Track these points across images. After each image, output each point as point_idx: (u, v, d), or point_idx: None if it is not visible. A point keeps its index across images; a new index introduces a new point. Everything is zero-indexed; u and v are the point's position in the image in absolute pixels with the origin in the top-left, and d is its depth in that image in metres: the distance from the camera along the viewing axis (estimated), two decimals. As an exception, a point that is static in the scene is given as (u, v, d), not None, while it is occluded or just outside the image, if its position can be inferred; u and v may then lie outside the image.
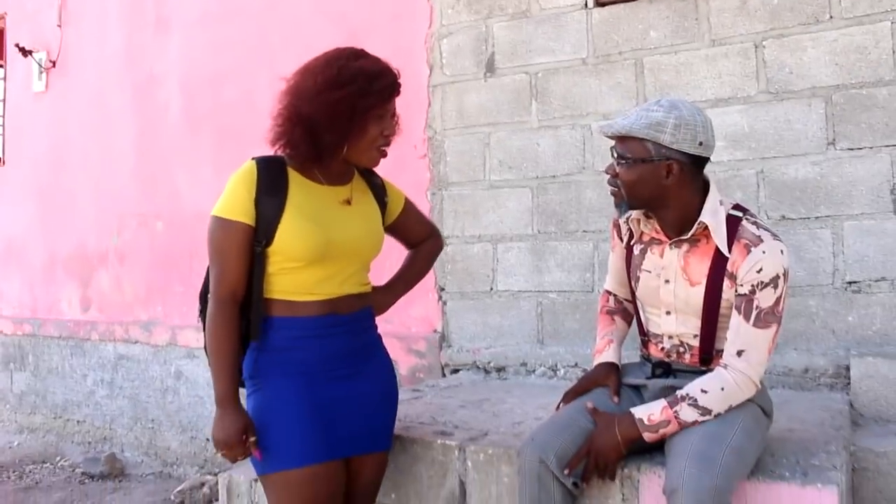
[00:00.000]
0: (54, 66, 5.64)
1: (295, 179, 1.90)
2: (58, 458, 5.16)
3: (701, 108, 1.89)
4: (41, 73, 5.69)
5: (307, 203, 1.89)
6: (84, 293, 5.41)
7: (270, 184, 1.86)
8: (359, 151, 1.91)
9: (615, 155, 1.92)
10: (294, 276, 1.89)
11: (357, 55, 1.90)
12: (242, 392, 1.94)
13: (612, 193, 2.03)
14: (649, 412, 1.88)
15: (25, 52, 5.65)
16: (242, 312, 1.90)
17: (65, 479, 4.77)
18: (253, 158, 1.91)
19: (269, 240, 1.85)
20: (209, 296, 1.88)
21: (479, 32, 3.78)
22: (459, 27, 3.83)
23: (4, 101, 6.12)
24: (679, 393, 1.88)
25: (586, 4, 3.50)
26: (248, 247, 1.85)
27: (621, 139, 1.89)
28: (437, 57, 3.88)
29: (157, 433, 4.94)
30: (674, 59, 3.30)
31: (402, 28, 3.99)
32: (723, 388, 1.84)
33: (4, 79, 6.13)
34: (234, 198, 1.84)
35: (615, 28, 3.43)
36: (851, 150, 2.98)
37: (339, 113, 1.82)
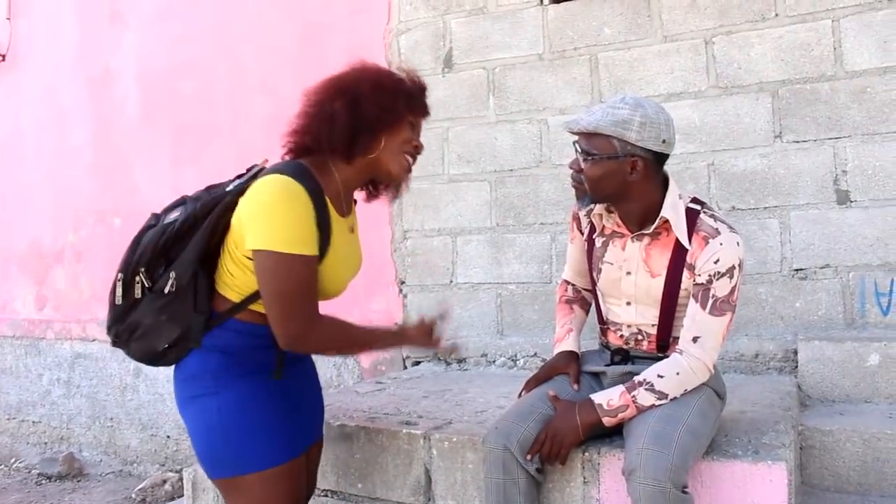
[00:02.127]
0: (4, 59, 5.51)
1: (331, 212, 1.82)
2: (13, 460, 5.08)
3: (663, 107, 1.95)
4: (-10, 67, 5.57)
5: (338, 242, 1.83)
6: (39, 291, 5.32)
7: (320, 217, 1.76)
8: (391, 151, 1.85)
9: (580, 150, 1.97)
10: None
11: (400, 77, 1.92)
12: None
13: (575, 187, 2.09)
14: (608, 397, 1.95)
15: (-27, 47, 5.53)
16: (197, 311, 1.81)
17: (21, 480, 4.71)
18: (293, 180, 1.74)
19: None
20: (302, 336, 1.76)
21: (437, 28, 3.82)
22: (417, 23, 3.87)
23: (-48, 96, 5.98)
24: (636, 378, 1.95)
25: (542, 1, 3.58)
26: None
27: (587, 136, 1.94)
28: (395, 52, 3.92)
29: (116, 431, 4.90)
30: (627, 55, 3.38)
31: (361, 23, 4.01)
32: (678, 373, 1.92)
33: (-49, 74, 5.99)
34: (305, 231, 1.73)
35: (570, 24, 3.50)
36: (797, 142, 3.10)
37: (385, 91, 1.80)
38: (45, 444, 5.22)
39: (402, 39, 3.90)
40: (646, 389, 1.91)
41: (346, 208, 1.92)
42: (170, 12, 4.78)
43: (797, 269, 3.09)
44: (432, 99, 3.72)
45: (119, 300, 1.83)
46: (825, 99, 3.06)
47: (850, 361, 2.81)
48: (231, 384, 1.82)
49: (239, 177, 1.91)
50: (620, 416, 1.94)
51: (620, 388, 1.95)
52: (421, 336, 2.01)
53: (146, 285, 1.81)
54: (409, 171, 1.93)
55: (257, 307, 1.81)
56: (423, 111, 1.92)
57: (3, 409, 5.48)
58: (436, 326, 2.01)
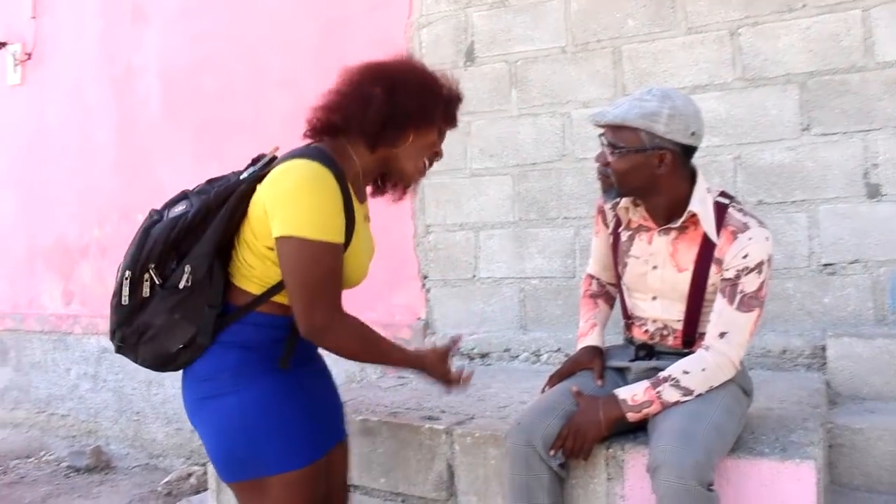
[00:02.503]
0: (30, 58, 5.57)
1: (353, 198, 1.78)
2: (42, 453, 5.14)
3: (691, 99, 1.91)
4: (16, 65, 5.62)
5: (360, 228, 1.80)
6: (66, 287, 5.38)
7: (345, 204, 1.72)
8: (414, 151, 1.83)
9: (606, 143, 1.95)
10: None
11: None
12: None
13: (601, 180, 2.06)
14: (632, 393, 1.93)
15: None
16: (211, 306, 1.74)
17: (50, 473, 4.76)
18: (320, 165, 1.69)
19: None
20: (326, 326, 1.70)
21: (459, 21, 3.80)
22: (439, 16, 3.85)
23: (-21, 94, 6.05)
24: (661, 374, 1.93)
25: (565, -7, 3.54)
26: None
27: (614, 128, 1.91)
28: (416, 46, 3.90)
29: (142, 425, 4.94)
30: (651, 47, 3.34)
31: (382, 17, 4.00)
32: (704, 370, 1.90)
33: (-21, 72, 6.06)
34: (333, 218, 1.69)
35: (593, 16, 3.47)
36: (825, 135, 3.04)
37: (426, 89, 1.79)
38: (74, 437, 5.28)
39: (424, 33, 3.88)
40: (671, 385, 1.89)
41: (362, 195, 1.88)
42: (191, 9, 4.80)
43: (826, 264, 3.04)
44: (454, 93, 3.74)
45: (126, 300, 1.73)
46: (855, 90, 3.00)
47: (881, 358, 2.77)
48: (252, 382, 1.74)
49: (251, 165, 1.85)
50: (644, 412, 1.92)
51: (645, 383, 1.93)
52: (438, 363, 2.03)
53: (157, 282, 1.72)
54: (423, 174, 1.91)
55: (280, 298, 1.75)
56: (454, 122, 1.90)
57: (32, 403, 5.56)
58: (450, 355, 2.03)
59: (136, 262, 1.73)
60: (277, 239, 1.67)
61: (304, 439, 1.78)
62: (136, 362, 1.82)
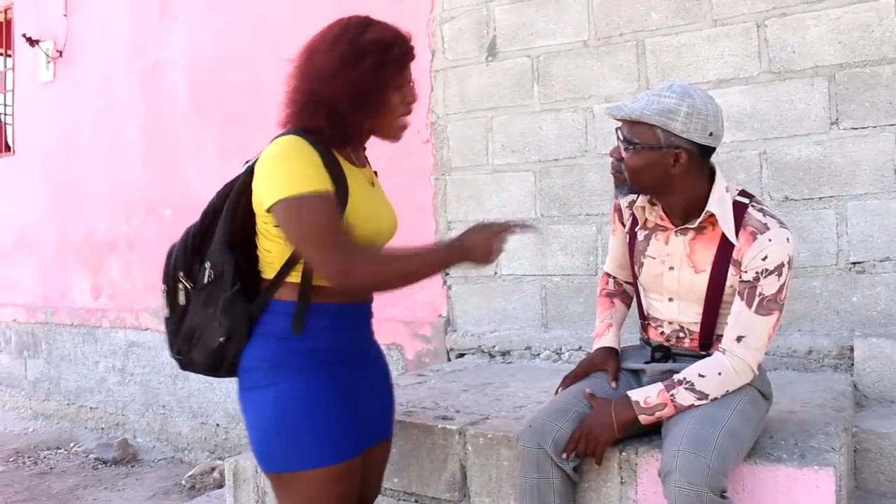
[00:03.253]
0: (61, 55, 5.66)
1: (340, 159, 1.78)
2: (71, 444, 5.23)
3: (712, 97, 1.85)
4: (48, 62, 5.72)
5: (358, 188, 1.78)
6: (95, 281, 5.45)
7: (329, 163, 1.72)
8: (384, 126, 1.82)
9: (621, 138, 1.90)
10: None
11: (365, 24, 1.79)
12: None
13: (614, 175, 2.02)
14: (646, 395, 1.89)
15: (32, 42, 5.67)
16: (250, 297, 1.78)
17: (78, 464, 4.84)
18: (291, 134, 1.73)
19: None
20: (349, 272, 1.67)
21: (481, 16, 3.76)
22: (461, 11, 3.81)
23: (13, 91, 6.16)
24: (676, 377, 1.88)
25: (588, -14, 3.48)
26: None
27: (630, 123, 1.86)
28: (438, 41, 3.87)
29: (168, 419, 5.00)
30: (675, 41, 3.27)
31: (404, 12, 3.96)
32: (720, 373, 1.85)
33: (12, 69, 6.17)
34: (311, 170, 1.68)
35: (616, 10, 3.40)
36: (855, 129, 2.95)
37: (360, 90, 1.72)
38: (102, 429, 5.37)
39: (446, 28, 3.85)
40: (685, 388, 1.85)
41: (358, 160, 1.87)
42: (216, 4, 4.83)
43: (854, 263, 2.96)
44: (476, 87, 3.73)
45: (168, 311, 1.83)
46: (886, 83, 2.90)
47: (910, 360, 2.68)
48: (290, 376, 1.75)
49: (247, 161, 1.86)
50: (658, 414, 1.88)
51: (659, 385, 1.89)
52: (483, 241, 1.80)
53: (188, 287, 1.80)
54: (407, 126, 1.87)
55: (293, 278, 1.76)
56: (405, 64, 1.80)
57: (63, 395, 5.66)
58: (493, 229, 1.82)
59: (168, 275, 1.83)
60: (269, 212, 1.69)
61: (338, 437, 1.76)
62: (198, 371, 1.88)
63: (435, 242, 1.78)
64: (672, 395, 1.85)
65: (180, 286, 1.81)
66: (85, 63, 5.55)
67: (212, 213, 1.81)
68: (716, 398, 1.84)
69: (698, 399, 1.84)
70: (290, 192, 1.65)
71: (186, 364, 1.88)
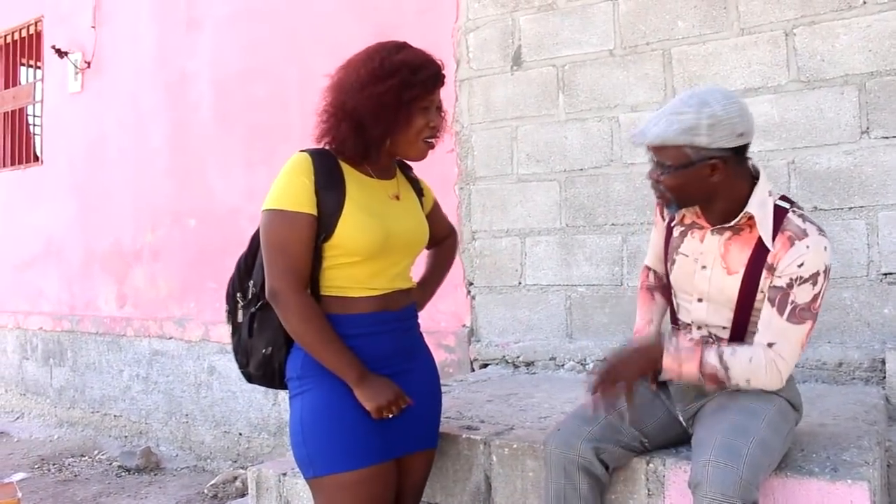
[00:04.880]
0: (89, 66, 5.74)
1: (349, 172, 1.88)
2: (96, 452, 5.26)
3: (733, 94, 1.80)
4: (77, 73, 5.80)
5: (363, 196, 1.87)
6: (120, 290, 5.50)
7: (327, 176, 1.83)
8: (405, 144, 1.90)
9: (654, 162, 1.87)
10: (349, 271, 1.86)
11: (399, 47, 1.88)
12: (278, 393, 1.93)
13: (658, 197, 1.98)
14: (681, 342, 1.87)
15: (61, 54, 5.76)
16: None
17: (102, 472, 4.86)
18: (302, 151, 1.88)
19: (328, 234, 1.81)
20: (276, 291, 1.80)
21: (506, 26, 3.76)
22: (486, 21, 3.82)
23: (42, 101, 6.25)
24: (712, 341, 1.88)
25: (613, -5, 3.47)
26: (314, 239, 1.81)
27: (657, 147, 1.83)
28: (463, 51, 3.87)
29: (191, 427, 5.01)
30: (702, 49, 3.25)
31: (429, 22, 3.98)
32: (751, 360, 1.79)
33: (42, 80, 6.26)
34: (295, 189, 1.81)
35: (642, 18, 3.39)
36: (886, 138, 2.91)
37: (384, 106, 1.81)
38: (126, 437, 5.39)
39: (471, 38, 3.85)
40: (716, 353, 1.81)
41: (381, 173, 1.96)
42: (243, 17, 4.87)
43: (886, 274, 2.91)
44: (501, 97, 3.73)
45: (232, 330, 2.00)
46: (918, 92, 2.87)
47: (944, 373, 2.63)
48: (315, 385, 1.85)
49: None
50: (683, 365, 1.83)
51: (694, 340, 1.89)
52: (385, 390, 1.85)
53: (242, 304, 1.97)
54: (432, 148, 1.95)
55: (325, 290, 1.87)
56: (433, 87, 1.89)
57: (87, 403, 5.70)
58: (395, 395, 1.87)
59: (229, 296, 2.01)
60: None
61: (358, 443, 1.82)
62: (260, 384, 2.02)
63: (353, 361, 1.84)
64: (703, 350, 1.82)
65: (239, 306, 1.97)
66: (112, 74, 5.62)
67: (256, 237, 1.93)
68: (732, 378, 1.80)
69: (721, 367, 1.79)
70: (265, 206, 1.82)
71: (249, 377, 2.03)
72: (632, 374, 1.87)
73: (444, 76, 1.91)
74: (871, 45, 2.94)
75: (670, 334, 2.07)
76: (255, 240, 1.96)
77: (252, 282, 1.93)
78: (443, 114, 1.95)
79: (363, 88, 1.81)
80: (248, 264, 1.97)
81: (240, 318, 1.97)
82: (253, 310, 1.92)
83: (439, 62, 1.90)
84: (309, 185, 1.81)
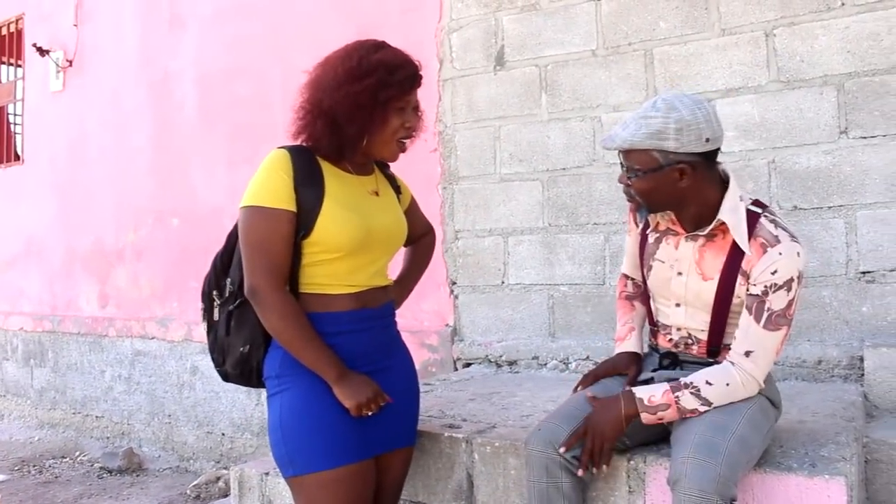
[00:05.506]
0: (71, 65, 5.70)
1: (327, 169, 1.88)
2: (77, 453, 5.22)
3: (701, 100, 1.81)
4: (58, 72, 5.76)
5: (343, 192, 1.87)
6: (102, 290, 5.46)
7: (306, 173, 1.83)
8: (380, 144, 1.89)
9: (623, 166, 1.89)
10: (328, 268, 1.86)
11: (377, 46, 1.88)
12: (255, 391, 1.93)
13: (629, 200, 2.00)
14: (650, 393, 1.87)
15: (43, 52, 5.72)
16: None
17: (83, 473, 4.83)
18: (280, 147, 1.87)
19: (308, 230, 1.81)
20: (255, 289, 1.79)
21: (489, 26, 3.77)
22: (469, 21, 3.82)
23: (23, 100, 6.20)
24: (683, 380, 1.86)
25: (595, -5, 3.49)
26: (293, 236, 1.80)
27: (626, 151, 1.84)
28: (446, 51, 3.88)
29: (173, 428, 4.99)
30: (683, 50, 3.27)
31: (413, 22, 3.98)
32: (728, 384, 1.83)
33: (23, 78, 6.21)
34: (274, 185, 1.80)
35: (624, 19, 3.41)
36: (864, 138, 2.94)
37: (360, 105, 1.80)
38: (108, 438, 5.36)
39: (454, 37, 3.86)
40: (691, 393, 1.83)
41: (359, 169, 1.96)
42: (226, 16, 4.85)
43: (864, 272, 2.94)
44: (484, 97, 3.73)
45: (206, 327, 1.98)
46: None
47: (921, 370, 2.66)
48: (294, 384, 1.85)
49: None
50: (660, 414, 1.85)
51: (665, 385, 1.87)
52: (365, 388, 1.84)
53: (218, 303, 1.95)
54: (404, 150, 1.96)
55: (304, 288, 1.86)
56: (409, 88, 1.88)
57: (69, 404, 5.66)
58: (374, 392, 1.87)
59: (205, 294, 1.98)
60: None
61: (336, 442, 1.82)
62: (237, 382, 2.01)
63: (333, 359, 1.84)
64: (677, 397, 1.83)
65: (215, 304, 1.95)
66: (94, 73, 5.58)
67: (234, 234, 1.92)
68: (718, 407, 1.83)
69: (702, 405, 1.82)
70: (243, 203, 1.82)
71: (225, 376, 2.02)
72: (612, 433, 1.87)
73: (421, 77, 1.91)
74: (849, 46, 2.97)
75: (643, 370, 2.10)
76: (231, 237, 1.95)
77: (229, 280, 1.92)
78: (419, 114, 1.94)
79: (340, 87, 1.81)
80: (225, 262, 1.96)
81: (216, 316, 1.95)
82: (231, 308, 1.91)
83: (417, 63, 1.90)
84: (288, 181, 1.80)
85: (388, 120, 1.86)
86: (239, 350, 1.92)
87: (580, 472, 1.87)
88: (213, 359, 2.00)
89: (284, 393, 1.86)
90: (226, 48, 4.84)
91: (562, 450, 1.87)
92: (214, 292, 1.96)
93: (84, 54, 5.65)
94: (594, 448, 1.87)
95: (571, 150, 3.54)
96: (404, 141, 1.93)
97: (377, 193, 1.98)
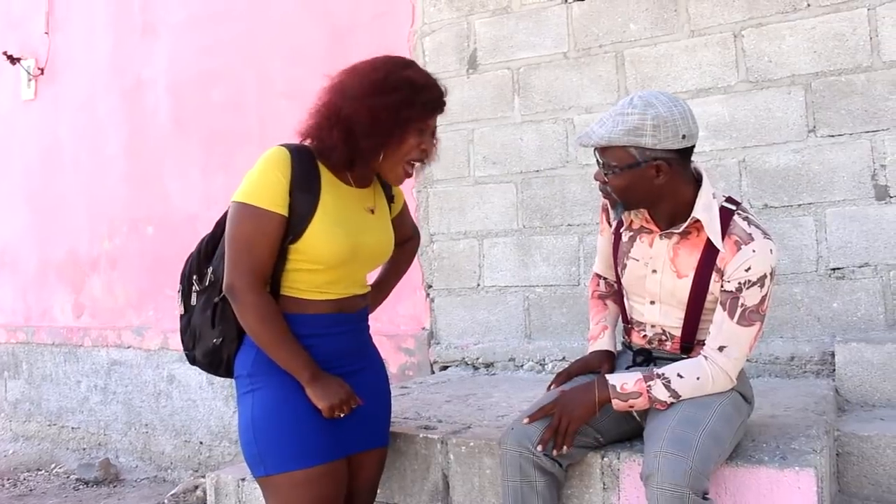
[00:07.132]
0: (42, 73, 5.63)
1: (326, 176, 1.86)
2: (53, 465, 5.15)
3: (677, 98, 1.85)
4: (30, 80, 5.69)
5: (337, 205, 1.85)
6: (76, 299, 5.40)
7: (304, 177, 1.80)
8: (391, 163, 1.86)
9: (600, 163, 1.90)
10: (308, 276, 1.85)
11: (406, 64, 1.86)
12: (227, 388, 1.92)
13: (605, 198, 2.01)
14: (623, 381, 1.88)
15: (13, 60, 5.65)
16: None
17: (59, 485, 4.77)
18: (282, 146, 1.83)
19: (296, 236, 1.80)
20: (235, 288, 1.78)
21: (461, 29, 3.78)
22: (441, 24, 3.84)
23: (-6, 109, 6.12)
24: (656, 370, 1.88)
25: (566, -1, 3.52)
26: (280, 240, 1.79)
27: (603, 148, 1.86)
28: (419, 54, 3.88)
29: (151, 437, 4.94)
30: (654, 51, 3.30)
31: (385, 26, 3.99)
32: (698, 378, 1.85)
33: (-7, 87, 6.14)
34: (269, 185, 1.78)
35: (595, 21, 3.43)
36: (832, 136, 2.99)
37: (380, 119, 1.77)
38: (84, 449, 5.29)
39: (427, 41, 3.87)
40: (662, 384, 1.85)
41: (358, 182, 1.93)
42: (199, 22, 4.83)
43: (834, 269, 2.98)
44: (457, 100, 3.74)
45: (180, 310, 1.98)
46: (861, 91, 2.94)
47: (891, 364, 2.69)
48: (266, 383, 1.85)
49: None
50: (631, 402, 1.87)
51: (637, 374, 1.89)
52: (338, 389, 1.85)
53: (197, 288, 1.94)
54: (410, 175, 1.93)
55: (284, 290, 1.85)
56: (432, 110, 1.87)
57: (44, 416, 5.58)
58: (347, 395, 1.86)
59: (184, 276, 1.98)
60: None
61: (311, 442, 1.82)
62: (203, 369, 2.00)
63: (308, 361, 1.84)
64: (649, 386, 1.85)
65: (194, 289, 1.95)
66: (67, 81, 5.53)
67: (222, 222, 1.91)
68: (685, 399, 1.84)
69: (671, 397, 1.84)
70: (235, 198, 1.79)
71: (192, 360, 2.01)
72: (580, 414, 1.89)
73: (444, 102, 1.89)
74: (815, 47, 3.01)
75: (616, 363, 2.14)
76: (219, 225, 1.93)
77: (211, 269, 1.91)
78: (435, 141, 1.92)
79: (362, 98, 1.78)
80: (209, 249, 1.94)
81: (193, 300, 1.95)
82: (216, 300, 1.89)
83: (443, 87, 1.88)
84: (284, 183, 1.78)
85: (406, 139, 1.83)
86: (211, 341, 1.91)
87: (539, 448, 1.87)
88: (182, 341, 2.00)
89: (256, 392, 1.86)
90: (199, 54, 4.82)
91: (538, 448, 1.88)
92: (194, 276, 1.95)
93: (56, 62, 5.59)
94: (559, 426, 1.88)
95: (544, 152, 3.56)
96: (413, 164, 1.90)
97: (373, 211, 1.96)
